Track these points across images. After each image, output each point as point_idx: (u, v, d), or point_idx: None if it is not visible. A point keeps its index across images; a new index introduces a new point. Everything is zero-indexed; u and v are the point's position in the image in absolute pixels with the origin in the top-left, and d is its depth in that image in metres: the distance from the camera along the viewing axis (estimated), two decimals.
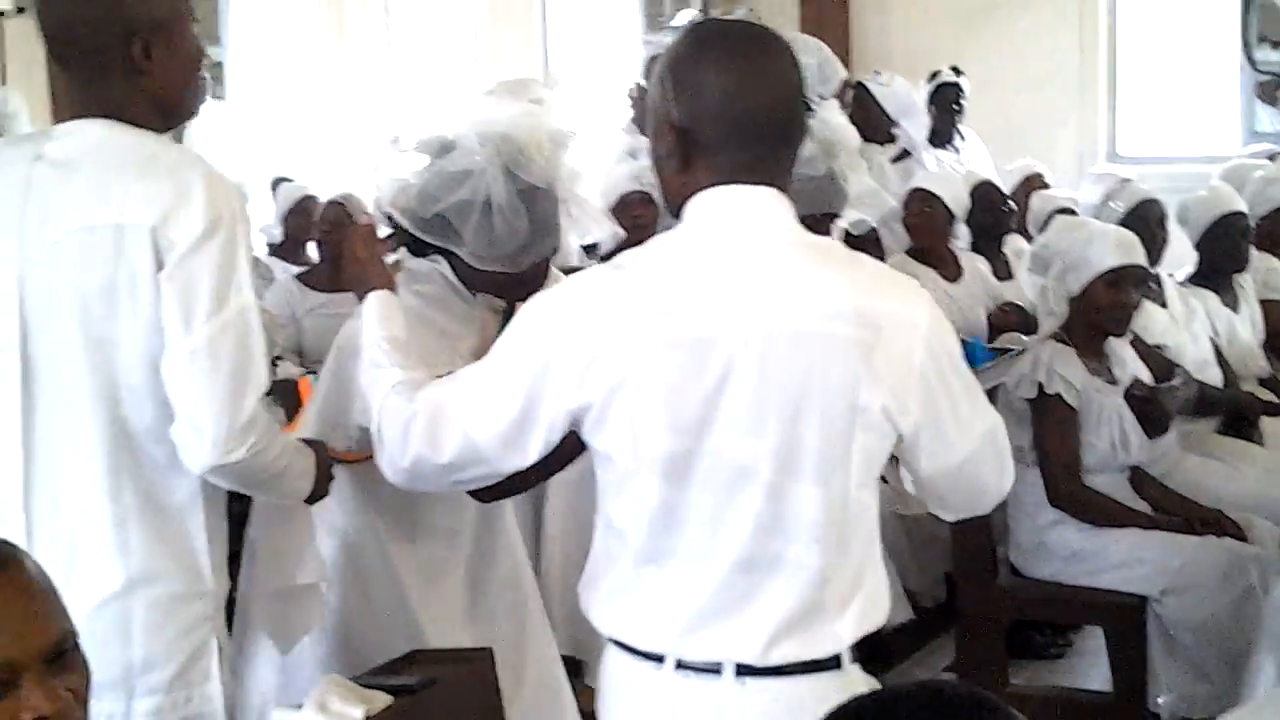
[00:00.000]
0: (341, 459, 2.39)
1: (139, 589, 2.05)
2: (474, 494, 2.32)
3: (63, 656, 1.38)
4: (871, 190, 5.13)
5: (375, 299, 2.20)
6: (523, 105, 2.55)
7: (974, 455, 1.88)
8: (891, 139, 5.97)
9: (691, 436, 1.75)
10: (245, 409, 1.98)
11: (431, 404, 1.92)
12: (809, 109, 1.90)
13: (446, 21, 9.35)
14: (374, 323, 2.15)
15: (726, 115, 1.79)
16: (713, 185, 1.80)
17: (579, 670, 3.50)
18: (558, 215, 2.49)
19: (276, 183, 6.34)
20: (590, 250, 3.97)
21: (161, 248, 1.95)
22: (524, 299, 2.49)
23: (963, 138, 6.37)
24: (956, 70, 6.45)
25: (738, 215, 1.80)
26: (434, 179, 2.43)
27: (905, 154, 6.01)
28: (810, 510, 1.78)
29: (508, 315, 2.51)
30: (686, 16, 5.17)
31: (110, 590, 2.03)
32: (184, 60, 2.10)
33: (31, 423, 2.03)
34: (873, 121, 5.87)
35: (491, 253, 2.43)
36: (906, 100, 6.03)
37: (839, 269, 1.81)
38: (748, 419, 1.75)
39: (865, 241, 4.62)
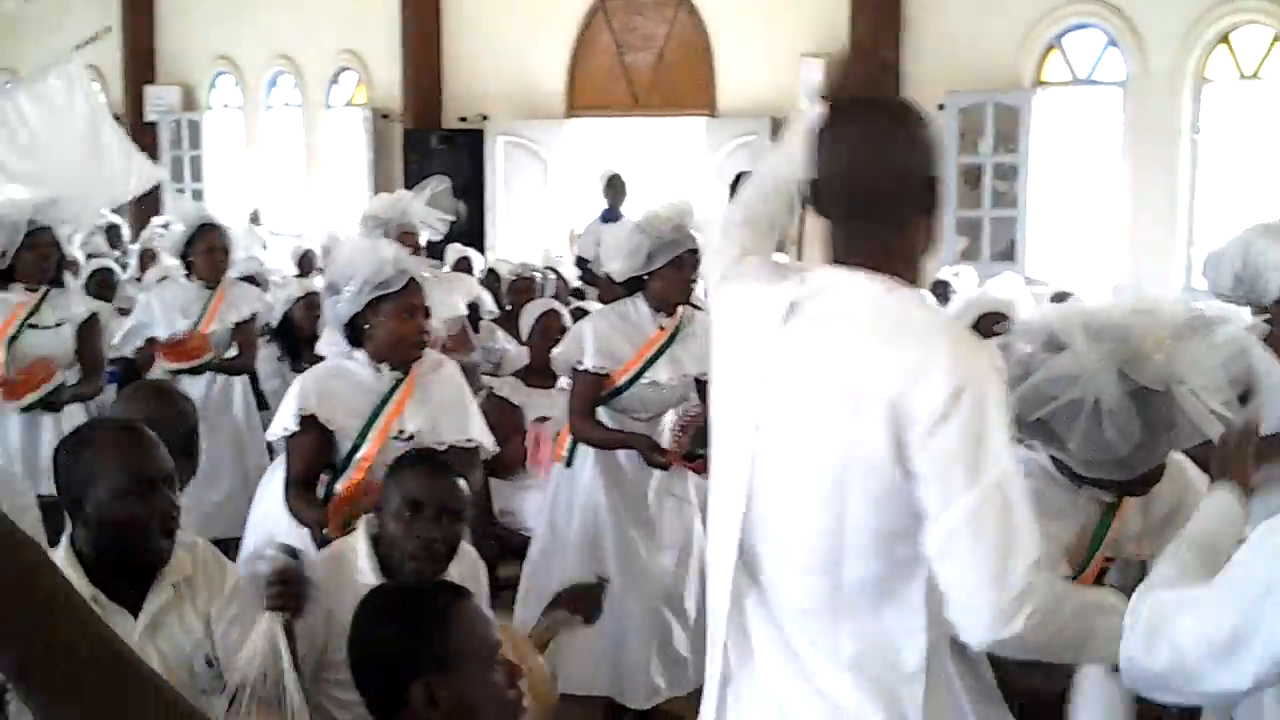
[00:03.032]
0: None
1: None
2: None
3: None
4: None
5: (1214, 497, 2.17)
6: (1138, 302, 2.43)
7: None
8: None
9: None
10: (1014, 582, 1.88)
11: (1156, 608, 1.87)
12: None
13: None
14: (1198, 519, 2.12)
15: None
16: None
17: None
18: (1174, 415, 2.31)
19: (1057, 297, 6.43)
20: None
21: (900, 420, 1.91)
22: (1139, 491, 2.44)
23: None
24: None
25: None
26: (1039, 380, 2.33)
27: None
28: None
29: (1112, 507, 2.45)
30: None
31: None
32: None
33: (744, 583, 2.10)
34: None
35: (1099, 457, 2.33)
36: None
37: None
38: None
39: None
